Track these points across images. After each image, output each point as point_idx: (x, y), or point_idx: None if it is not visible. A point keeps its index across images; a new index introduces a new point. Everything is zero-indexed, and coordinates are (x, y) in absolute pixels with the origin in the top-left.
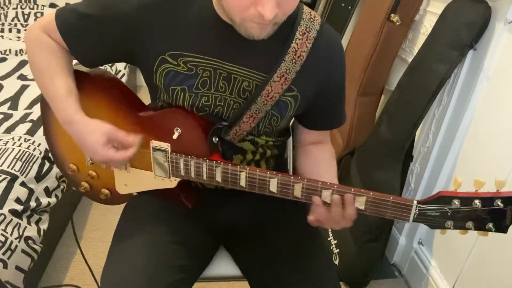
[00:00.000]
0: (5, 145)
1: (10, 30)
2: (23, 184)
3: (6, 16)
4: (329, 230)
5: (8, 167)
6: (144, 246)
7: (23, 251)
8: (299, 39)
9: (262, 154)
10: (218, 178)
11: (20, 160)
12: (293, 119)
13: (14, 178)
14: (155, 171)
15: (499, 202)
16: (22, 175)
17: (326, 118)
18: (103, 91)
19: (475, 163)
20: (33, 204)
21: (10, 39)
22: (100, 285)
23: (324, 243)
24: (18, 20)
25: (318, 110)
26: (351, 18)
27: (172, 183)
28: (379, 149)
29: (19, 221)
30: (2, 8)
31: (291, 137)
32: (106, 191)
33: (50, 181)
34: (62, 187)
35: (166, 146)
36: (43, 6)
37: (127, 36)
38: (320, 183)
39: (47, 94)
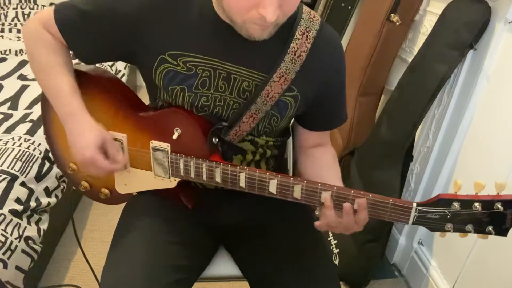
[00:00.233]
0: (5, 145)
1: (10, 30)
2: (23, 184)
3: (6, 16)
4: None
5: (8, 167)
6: (144, 246)
7: (23, 251)
8: (298, 39)
9: (262, 154)
10: (218, 178)
11: (20, 160)
12: (293, 120)
13: (14, 178)
14: (155, 171)
15: (499, 205)
16: (22, 175)
17: (327, 118)
18: (103, 90)
19: (475, 163)
20: (33, 204)
21: (10, 39)
22: (100, 285)
23: (324, 243)
24: (18, 20)
25: (319, 110)
26: (351, 18)
27: (171, 183)
28: (379, 149)
29: (19, 221)
30: (2, 8)
31: (291, 137)
32: (106, 191)
33: (50, 181)
34: (62, 187)
35: (166, 146)
36: (43, 6)
37: (126, 35)
38: (319, 184)
39: (49, 89)
